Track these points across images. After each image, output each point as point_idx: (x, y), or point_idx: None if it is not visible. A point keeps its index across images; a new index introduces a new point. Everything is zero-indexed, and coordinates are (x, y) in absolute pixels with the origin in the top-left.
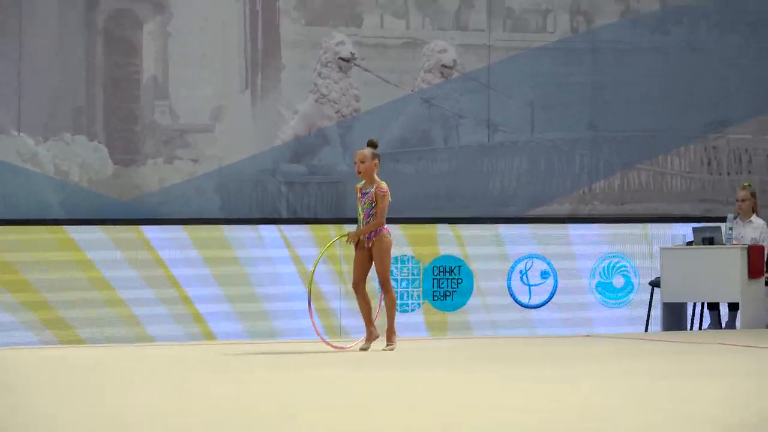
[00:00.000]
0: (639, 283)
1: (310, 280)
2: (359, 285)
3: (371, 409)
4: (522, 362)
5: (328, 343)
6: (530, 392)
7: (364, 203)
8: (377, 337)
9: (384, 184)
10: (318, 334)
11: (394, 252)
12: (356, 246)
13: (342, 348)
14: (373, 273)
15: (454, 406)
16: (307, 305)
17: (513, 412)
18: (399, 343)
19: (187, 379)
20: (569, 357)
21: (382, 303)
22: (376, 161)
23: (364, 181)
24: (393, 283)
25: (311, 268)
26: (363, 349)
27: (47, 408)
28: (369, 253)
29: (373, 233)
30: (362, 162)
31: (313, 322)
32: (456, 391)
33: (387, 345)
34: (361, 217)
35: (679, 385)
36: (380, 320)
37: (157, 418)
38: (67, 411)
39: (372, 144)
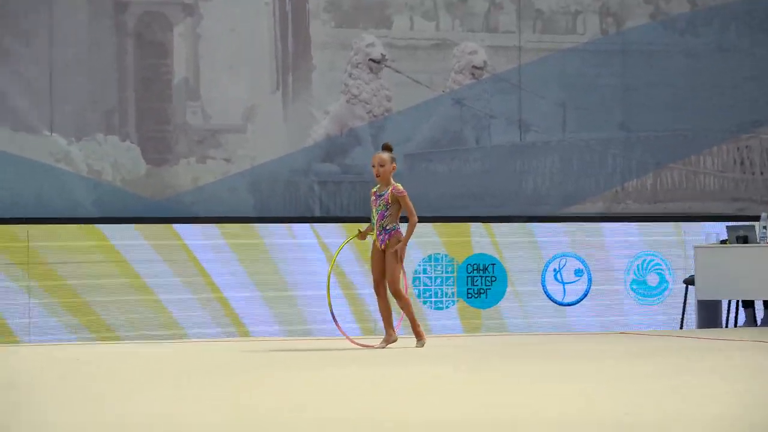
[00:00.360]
0: (673, 281)
1: (328, 278)
2: (380, 287)
3: (394, 407)
4: (554, 360)
5: (351, 340)
6: (555, 390)
7: (379, 205)
8: (395, 340)
9: (400, 186)
10: (340, 330)
11: (428, 251)
12: (369, 242)
13: (367, 346)
14: None
15: (476, 403)
16: (328, 304)
17: (530, 408)
18: (434, 339)
19: (203, 379)
20: (602, 354)
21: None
22: (394, 165)
23: (378, 185)
24: (426, 281)
25: (331, 268)
26: (379, 348)
27: (49, 413)
28: (384, 253)
29: (386, 235)
30: (382, 166)
31: (334, 319)
32: (481, 389)
33: (418, 342)
34: (375, 219)
35: (709, 382)
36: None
37: (157, 418)
38: (69, 415)
39: (388, 148)
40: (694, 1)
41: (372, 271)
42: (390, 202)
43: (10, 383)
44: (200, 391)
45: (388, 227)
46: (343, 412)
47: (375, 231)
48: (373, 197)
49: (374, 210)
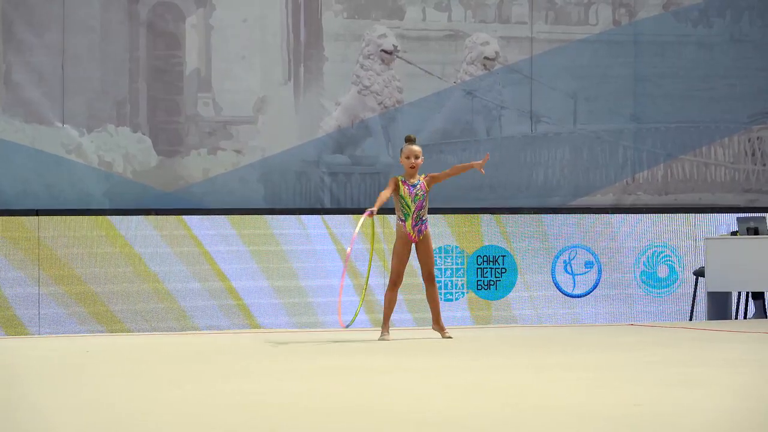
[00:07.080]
0: (683, 273)
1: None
2: (398, 283)
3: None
4: (563, 350)
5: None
6: (564, 380)
7: (416, 195)
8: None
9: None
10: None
11: (438, 243)
12: (400, 241)
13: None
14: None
15: (487, 394)
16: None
17: (540, 398)
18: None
19: (207, 369)
20: (611, 345)
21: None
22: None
23: (405, 175)
24: (437, 273)
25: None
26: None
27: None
28: (410, 247)
29: (422, 225)
30: (417, 158)
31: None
32: (490, 379)
33: (445, 333)
34: (412, 209)
35: (719, 374)
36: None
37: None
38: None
39: (413, 140)
40: None
41: (398, 265)
42: (427, 191)
43: (19, 375)
44: (202, 380)
45: (424, 217)
46: (351, 402)
47: (409, 221)
48: (406, 188)
49: (410, 201)
